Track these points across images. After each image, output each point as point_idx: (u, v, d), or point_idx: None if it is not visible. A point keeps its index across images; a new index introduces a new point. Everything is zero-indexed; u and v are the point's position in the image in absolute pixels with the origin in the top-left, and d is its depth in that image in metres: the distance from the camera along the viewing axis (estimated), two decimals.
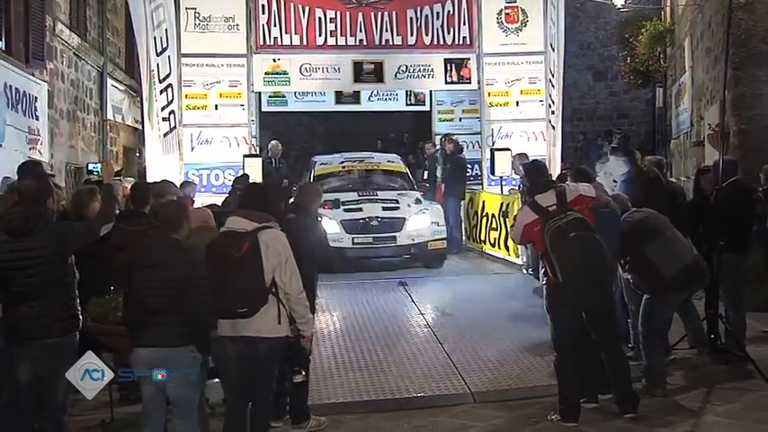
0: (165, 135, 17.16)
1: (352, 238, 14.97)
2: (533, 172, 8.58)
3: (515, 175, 15.85)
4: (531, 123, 18.62)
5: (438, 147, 20.19)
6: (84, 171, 15.21)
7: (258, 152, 18.06)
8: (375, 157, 18.61)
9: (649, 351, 8.34)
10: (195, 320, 6.16)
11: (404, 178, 17.57)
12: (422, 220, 15.37)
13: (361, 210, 15.35)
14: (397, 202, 15.70)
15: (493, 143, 18.31)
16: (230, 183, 14.61)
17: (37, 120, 12.80)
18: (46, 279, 6.36)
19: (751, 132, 12.22)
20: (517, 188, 15.41)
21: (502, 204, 15.61)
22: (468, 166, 19.32)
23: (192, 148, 17.52)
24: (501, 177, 16.96)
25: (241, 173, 15.24)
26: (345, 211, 15.28)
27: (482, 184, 18.67)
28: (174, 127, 17.22)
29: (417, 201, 16.05)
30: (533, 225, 7.77)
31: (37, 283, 6.33)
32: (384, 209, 15.40)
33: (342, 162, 17.76)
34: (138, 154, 18.66)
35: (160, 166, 16.54)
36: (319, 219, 9.62)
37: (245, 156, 16.89)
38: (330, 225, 13.82)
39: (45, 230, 6.46)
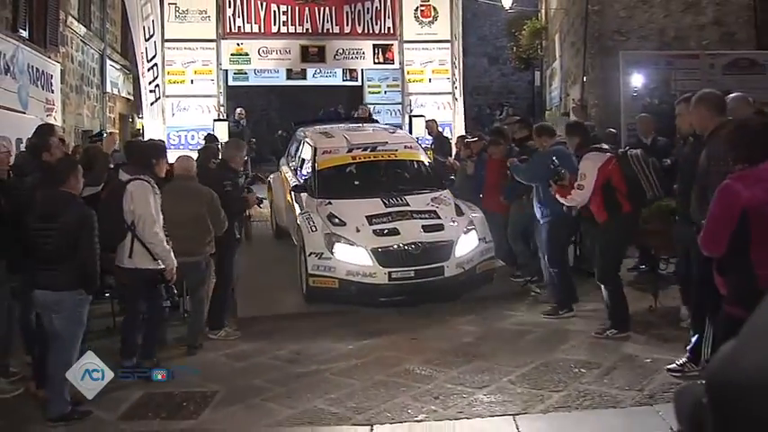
0: (151, 104, 17.26)
1: (389, 273, 8.70)
2: (584, 132, 7.81)
3: (428, 136, 16.27)
4: (440, 96, 18.92)
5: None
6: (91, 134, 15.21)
7: (225, 117, 18.16)
8: (389, 142, 11.05)
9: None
10: (84, 267, 5.54)
11: (429, 171, 10.87)
12: (471, 241, 9.20)
13: (397, 232, 8.95)
14: (438, 216, 9.33)
15: (411, 111, 18.56)
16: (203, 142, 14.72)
17: (52, 93, 12.80)
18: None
19: (601, 106, 12.78)
20: (429, 146, 15.81)
21: None
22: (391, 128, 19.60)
23: (173, 114, 17.57)
24: (417, 138, 17.29)
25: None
26: (376, 234, 8.93)
27: None
28: (159, 98, 17.30)
29: (458, 210, 9.64)
30: (608, 163, 7.14)
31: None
32: (425, 229, 9.04)
33: (350, 150, 10.67)
34: (130, 120, 18.64)
35: (149, 128, 16.68)
36: (243, 174, 8.78)
37: (214, 120, 17.01)
38: (355, 254, 8.76)
39: (32, 177, 6.51)
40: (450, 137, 16.87)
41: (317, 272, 8.75)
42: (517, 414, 5.57)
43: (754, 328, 1.05)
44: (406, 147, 11.06)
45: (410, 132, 17.40)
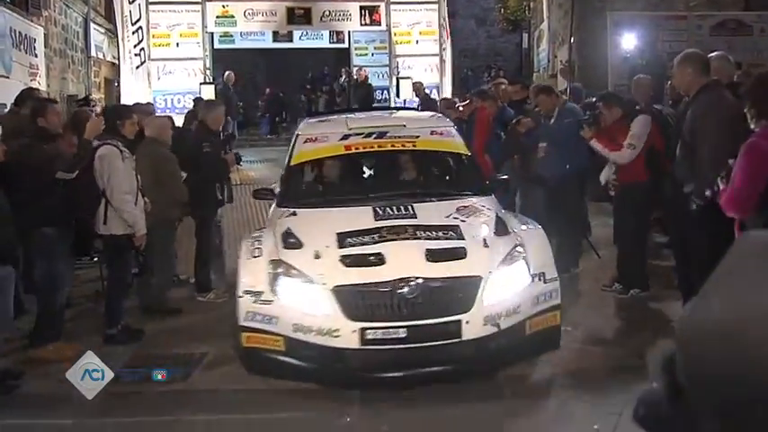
0: (136, 68, 17.17)
1: (361, 331, 5.03)
2: (622, 101, 7.68)
3: (415, 98, 16.27)
4: (428, 58, 18.96)
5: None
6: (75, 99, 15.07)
7: (212, 81, 18.09)
8: (407, 124, 7.33)
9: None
10: None
11: (465, 168, 7.12)
12: (515, 278, 5.42)
13: (381, 261, 5.31)
14: (459, 235, 5.63)
15: (398, 73, 18.63)
16: (189, 105, 14.65)
17: (36, 57, 12.63)
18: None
19: (589, 67, 12.80)
20: (416, 107, 15.79)
21: None
22: (378, 91, 19.65)
23: (159, 78, 17.55)
24: (404, 100, 17.34)
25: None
26: (346, 262, 5.35)
27: (389, 105, 19.00)
28: (144, 61, 17.22)
29: (500, 227, 5.83)
30: (653, 126, 7.08)
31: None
32: (431, 255, 5.34)
33: (345, 138, 6.95)
34: (116, 84, 18.49)
35: (134, 92, 16.58)
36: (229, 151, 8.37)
37: (200, 83, 17.03)
38: (308, 297, 5.27)
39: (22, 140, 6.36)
40: (437, 99, 16.87)
41: (251, 323, 5.30)
42: (505, 376, 5.62)
43: (714, 279, 1.07)
44: (433, 132, 7.17)
45: (397, 94, 17.44)
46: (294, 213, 6.19)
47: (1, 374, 5.67)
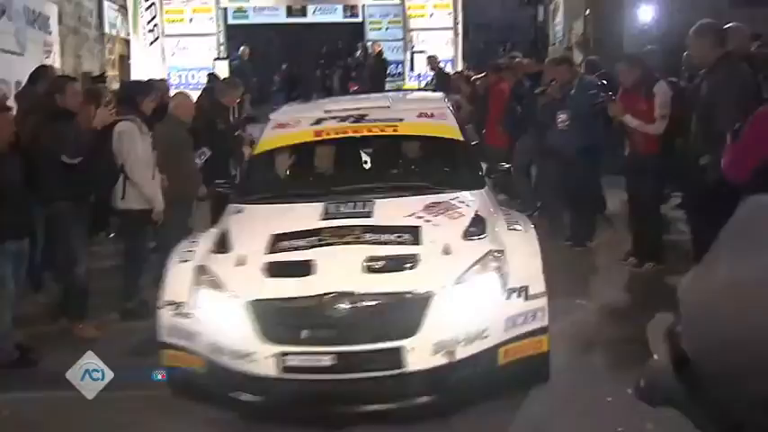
0: (150, 44, 17.20)
1: (280, 357, 4.12)
2: (644, 65, 7.40)
3: (429, 71, 16.26)
4: (442, 32, 18.85)
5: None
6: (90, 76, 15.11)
7: (226, 56, 18.12)
8: (392, 106, 6.53)
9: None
10: None
11: (454, 154, 6.03)
12: (481, 293, 4.29)
13: (308, 268, 4.35)
14: (415, 239, 4.54)
15: (413, 47, 18.56)
16: (204, 81, 14.66)
17: (50, 34, 12.66)
18: None
19: (605, 40, 12.69)
20: (430, 81, 15.81)
21: None
22: (393, 65, 19.56)
23: (173, 54, 17.60)
24: (419, 74, 17.30)
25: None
26: (270, 271, 4.42)
27: (404, 79, 19.01)
28: (158, 37, 17.24)
29: (474, 225, 4.75)
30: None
31: None
32: (372, 265, 4.33)
33: (317, 123, 6.02)
34: (129, 60, 18.54)
35: (148, 68, 16.61)
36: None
37: (215, 59, 17.06)
38: (223, 312, 4.36)
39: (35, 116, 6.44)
40: (451, 73, 16.81)
41: (172, 339, 4.66)
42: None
43: (718, 244, 1.09)
44: (420, 115, 6.08)
45: (411, 68, 17.37)
46: (240, 211, 5.40)
47: (19, 348, 5.74)
